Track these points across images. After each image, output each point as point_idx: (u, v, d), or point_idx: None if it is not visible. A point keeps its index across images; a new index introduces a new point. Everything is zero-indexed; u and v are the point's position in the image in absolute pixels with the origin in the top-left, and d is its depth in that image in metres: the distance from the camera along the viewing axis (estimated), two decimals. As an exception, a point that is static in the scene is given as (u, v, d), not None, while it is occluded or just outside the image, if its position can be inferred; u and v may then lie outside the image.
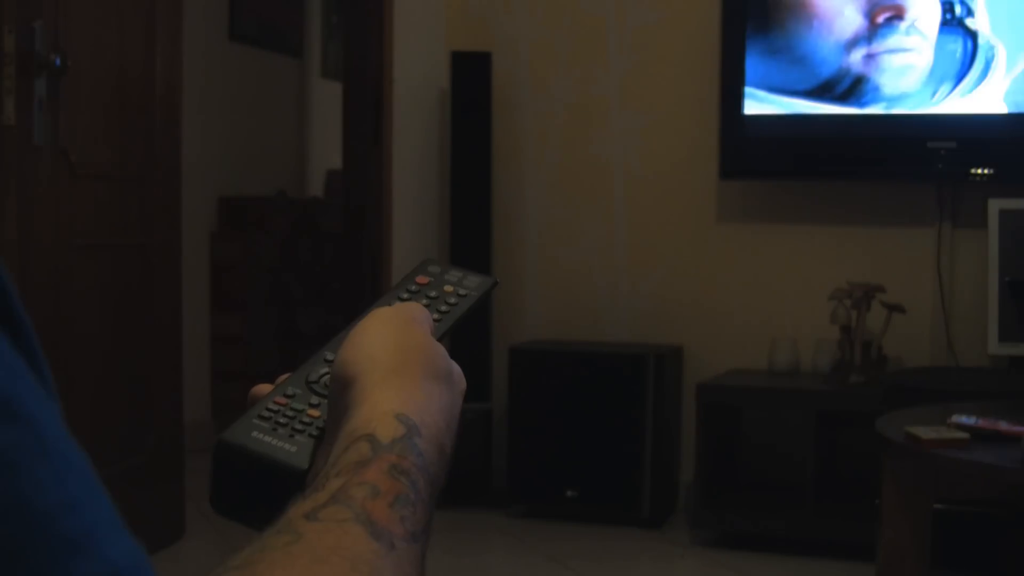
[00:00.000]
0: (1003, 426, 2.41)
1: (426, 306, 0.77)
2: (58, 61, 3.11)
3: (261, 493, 0.67)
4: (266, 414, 0.69)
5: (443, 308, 0.78)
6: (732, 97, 4.05)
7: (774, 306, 4.21)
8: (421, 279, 0.81)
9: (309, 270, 5.82)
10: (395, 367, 0.65)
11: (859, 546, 3.48)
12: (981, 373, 3.79)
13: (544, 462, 4.10)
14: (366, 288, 4.35)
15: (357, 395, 0.64)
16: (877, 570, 2.58)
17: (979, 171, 3.81)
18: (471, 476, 4.22)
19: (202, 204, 5.20)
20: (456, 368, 0.69)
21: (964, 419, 2.44)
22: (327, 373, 0.70)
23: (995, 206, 3.68)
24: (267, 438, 0.68)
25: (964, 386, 3.41)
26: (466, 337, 4.03)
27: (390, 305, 0.75)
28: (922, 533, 2.55)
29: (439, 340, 0.73)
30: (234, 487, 0.68)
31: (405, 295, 0.79)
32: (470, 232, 4.33)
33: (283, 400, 0.70)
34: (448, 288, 0.80)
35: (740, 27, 4.02)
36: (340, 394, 0.65)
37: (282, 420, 0.69)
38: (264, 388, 0.72)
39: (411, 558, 0.54)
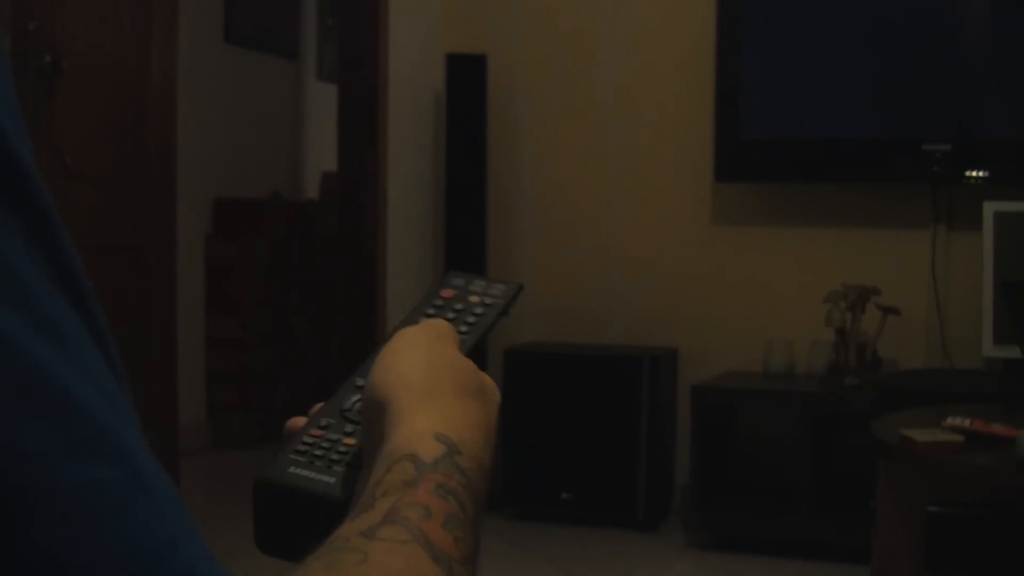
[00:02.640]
0: (998, 428, 2.41)
1: (452, 320, 0.77)
2: (53, 63, 3.10)
3: (306, 527, 0.66)
4: (302, 448, 0.69)
5: (470, 320, 0.78)
6: (728, 99, 4.05)
7: (769, 308, 4.21)
8: (446, 292, 0.80)
9: (304, 272, 5.82)
10: (428, 387, 0.65)
11: (854, 548, 3.48)
12: (976, 375, 3.79)
13: (539, 464, 4.10)
14: (361, 290, 4.34)
15: (393, 418, 0.63)
16: (872, 572, 2.59)
17: (974, 174, 3.82)
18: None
19: (197, 206, 5.20)
20: (488, 380, 0.69)
21: (959, 421, 2.44)
22: (359, 399, 0.70)
23: (990, 209, 3.68)
24: (305, 472, 0.68)
25: (959, 388, 3.41)
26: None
27: (415, 323, 0.74)
28: (917, 535, 2.56)
29: (469, 351, 0.73)
30: (278, 525, 0.68)
31: (431, 311, 0.78)
32: (465, 234, 4.33)
33: (318, 432, 0.70)
34: (474, 299, 0.79)
35: (736, 29, 4.02)
36: (375, 418, 0.65)
37: (318, 452, 0.69)
38: (299, 421, 0.72)
39: None
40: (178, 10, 3.75)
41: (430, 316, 0.78)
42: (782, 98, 4.02)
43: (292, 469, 0.68)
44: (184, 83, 3.92)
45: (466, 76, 4.32)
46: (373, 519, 0.55)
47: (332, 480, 0.67)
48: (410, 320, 0.76)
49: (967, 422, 2.44)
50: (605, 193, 4.41)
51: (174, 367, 3.77)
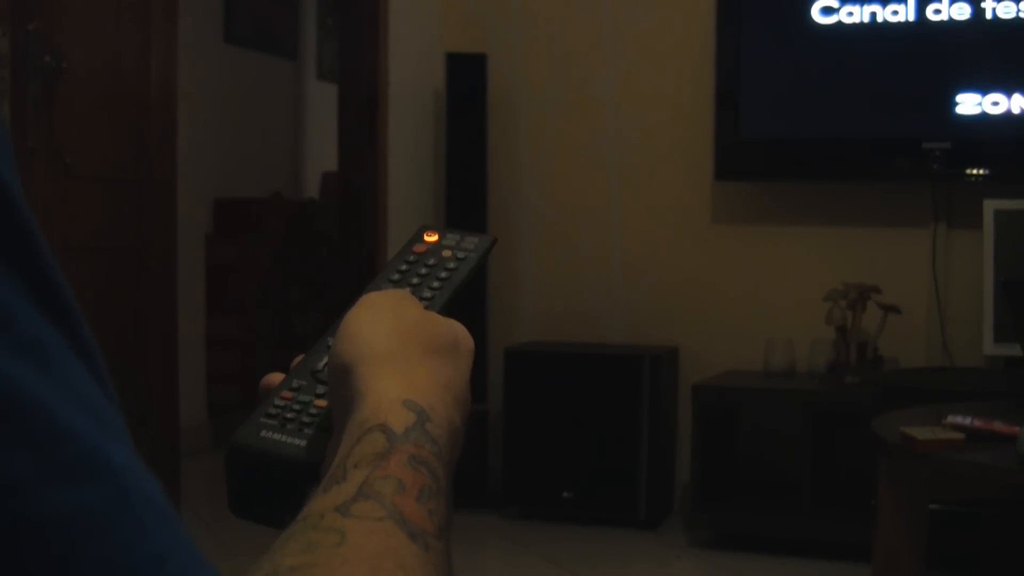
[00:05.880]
0: (998, 426, 2.41)
1: (425, 275, 0.76)
2: (53, 63, 3.10)
3: (279, 491, 0.66)
4: (273, 411, 0.69)
5: (443, 275, 0.77)
6: (727, 98, 4.05)
7: (770, 307, 4.21)
8: (419, 248, 0.79)
9: (305, 272, 5.82)
10: (392, 350, 0.64)
11: (855, 546, 3.48)
12: (976, 373, 3.79)
13: (540, 463, 4.10)
14: (362, 289, 4.34)
15: (359, 384, 0.63)
16: (873, 570, 2.59)
17: (974, 172, 3.82)
18: (466, 477, 4.22)
19: (197, 206, 5.20)
20: (458, 329, 0.68)
21: (959, 419, 2.44)
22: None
23: (990, 207, 3.68)
24: (276, 435, 0.67)
25: (959, 386, 3.41)
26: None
27: (388, 280, 0.75)
28: (918, 533, 2.56)
29: (445, 307, 0.72)
30: (251, 489, 0.68)
31: (403, 267, 0.77)
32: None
33: (289, 394, 0.70)
34: (447, 253, 0.78)
35: (735, 27, 4.02)
36: (340, 384, 0.64)
37: (290, 415, 0.68)
38: (275, 377, 0.71)
39: (442, 557, 0.54)
40: (178, 10, 3.75)
41: (403, 272, 0.77)
42: (782, 97, 4.02)
43: (264, 433, 0.67)
44: (184, 83, 3.92)
45: (466, 76, 4.32)
46: (347, 493, 0.54)
47: (303, 443, 0.67)
48: (382, 278, 0.76)
49: (968, 420, 2.44)
50: (605, 192, 4.41)
51: (175, 367, 3.77)
